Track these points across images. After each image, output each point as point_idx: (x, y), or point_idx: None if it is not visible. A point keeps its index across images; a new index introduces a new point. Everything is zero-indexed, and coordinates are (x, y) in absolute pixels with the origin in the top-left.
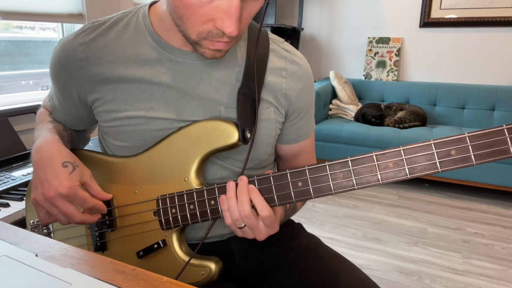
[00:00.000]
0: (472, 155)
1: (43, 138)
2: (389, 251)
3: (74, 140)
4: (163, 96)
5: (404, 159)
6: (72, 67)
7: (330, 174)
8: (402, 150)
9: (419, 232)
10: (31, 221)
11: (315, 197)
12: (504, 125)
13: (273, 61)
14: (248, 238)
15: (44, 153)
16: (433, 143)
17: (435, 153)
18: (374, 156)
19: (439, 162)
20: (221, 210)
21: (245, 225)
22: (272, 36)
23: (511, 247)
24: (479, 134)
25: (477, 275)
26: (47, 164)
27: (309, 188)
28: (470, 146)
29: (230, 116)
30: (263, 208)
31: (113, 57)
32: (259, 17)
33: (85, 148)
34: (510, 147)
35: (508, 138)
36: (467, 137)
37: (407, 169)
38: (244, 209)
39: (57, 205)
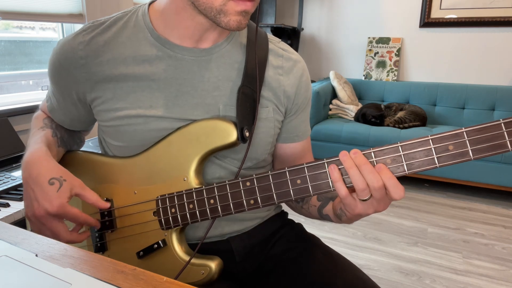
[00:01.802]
0: (470, 150)
1: (30, 152)
2: (389, 251)
3: (66, 143)
4: (162, 93)
5: (402, 155)
6: (72, 66)
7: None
8: (400, 146)
9: (419, 232)
10: None
11: (314, 195)
12: (501, 119)
13: (271, 60)
14: (362, 214)
15: (32, 171)
16: (431, 139)
17: (432, 148)
18: (372, 153)
19: (437, 157)
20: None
21: (369, 197)
22: (270, 37)
23: (511, 247)
24: (476, 129)
25: (477, 275)
26: (35, 182)
27: (308, 186)
28: (467, 141)
29: (228, 114)
30: (397, 187)
31: (112, 55)
32: (254, 15)
33: (85, 149)
34: (507, 141)
35: (505, 132)
36: (464, 132)
37: (405, 165)
38: (378, 180)
39: (46, 224)
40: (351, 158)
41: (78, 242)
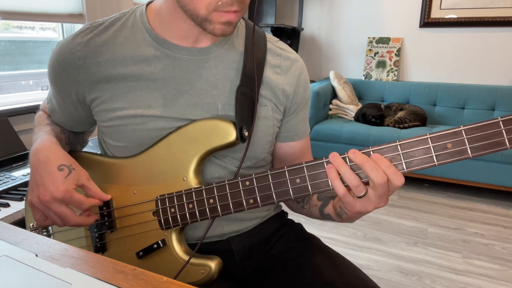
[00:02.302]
0: (468, 148)
1: (41, 140)
2: (389, 251)
3: (72, 142)
4: (161, 93)
5: (401, 154)
6: (71, 67)
7: None
8: (398, 145)
9: (419, 232)
10: (31, 224)
11: (313, 194)
12: (499, 117)
13: (269, 59)
14: (362, 212)
15: (41, 156)
16: (429, 137)
17: (431, 146)
18: (371, 152)
19: (435, 155)
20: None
21: (365, 193)
22: (268, 36)
23: (511, 247)
24: (474, 127)
25: (477, 275)
26: (44, 167)
27: (307, 185)
28: (466, 139)
29: (227, 114)
30: (397, 173)
31: (111, 56)
32: (252, 15)
33: (84, 149)
34: (506, 139)
35: (503, 130)
36: (463, 130)
37: (404, 163)
38: (383, 176)
39: (52, 208)
40: (340, 158)
41: (87, 224)
